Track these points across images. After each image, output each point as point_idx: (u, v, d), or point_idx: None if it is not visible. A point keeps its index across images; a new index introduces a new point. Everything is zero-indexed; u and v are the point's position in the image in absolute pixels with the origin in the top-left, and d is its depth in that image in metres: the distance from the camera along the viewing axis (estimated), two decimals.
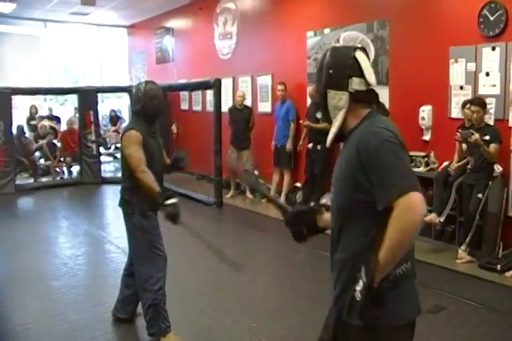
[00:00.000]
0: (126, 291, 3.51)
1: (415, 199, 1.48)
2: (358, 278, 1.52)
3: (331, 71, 1.71)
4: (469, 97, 5.07)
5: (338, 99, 1.70)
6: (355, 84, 1.68)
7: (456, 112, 5.32)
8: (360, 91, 1.68)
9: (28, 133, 10.23)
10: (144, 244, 3.24)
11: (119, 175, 10.61)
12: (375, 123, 1.65)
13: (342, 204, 1.68)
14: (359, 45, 1.77)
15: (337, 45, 1.59)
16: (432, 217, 4.98)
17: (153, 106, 3.27)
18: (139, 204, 3.24)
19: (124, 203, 3.33)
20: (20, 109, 11.74)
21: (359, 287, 1.50)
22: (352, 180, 1.61)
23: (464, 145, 4.85)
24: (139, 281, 3.29)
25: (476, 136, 4.49)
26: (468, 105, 4.86)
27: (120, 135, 3.36)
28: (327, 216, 1.89)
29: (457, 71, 5.29)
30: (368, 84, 1.70)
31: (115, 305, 3.59)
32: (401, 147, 1.58)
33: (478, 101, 4.75)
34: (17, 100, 10.32)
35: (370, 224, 1.60)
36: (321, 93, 1.75)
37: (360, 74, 1.68)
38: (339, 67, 1.70)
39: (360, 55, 1.70)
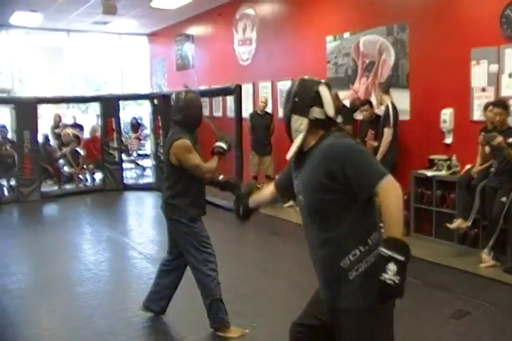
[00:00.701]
0: (161, 285, 3.61)
1: (392, 180, 1.79)
2: (383, 265, 1.69)
3: (296, 99, 1.98)
4: (492, 99, 5.01)
5: (299, 124, 1.96)
6: (316, 112, 1.94)
7: (478, 115, 5.26)
8: (318, 119, 1.94)
9: (52, 141, 10.41)
10: (195, 246, 3.35)
11: (141, 181, 10.69)
12: (334, 138, 1.92)
13: (318, 206, 1.91)
14: (323, 81, 2.02)
15: (305, 77, 2.03)
16: (459, 222, 4.93)
17: (194, 115, 3.37)
18: (188, 209, 3.34)
19: (170, 209, 3.39)
20: (45, 118, 11.97)
21: (390, 271, 1.68)
22: (322, 185, 1.86)
23: (487, 148, 4.79)
24: (198, 280, 3.40)
25: (500, 138, 4.42)
26: (490, 107, 4.80)
27: (167, 144, 3.36)
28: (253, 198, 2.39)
29: (479, 73, 5.24)
30: (326, 114, 1.95)
31: (148, 298, 3.65)
32: (359, 144, 1.95)
33: (501, 103, 4.69)
34: (42, 109, 10.52)
35: (347, 216, 1.87)
36: (287, 116, 2.01)
37: (321, 105, 1.94)
38: (303, 97, 1.96)
39: (322, 89, 1.96)
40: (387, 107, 5.69)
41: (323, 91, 1.96)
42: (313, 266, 2.04)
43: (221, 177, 3.38)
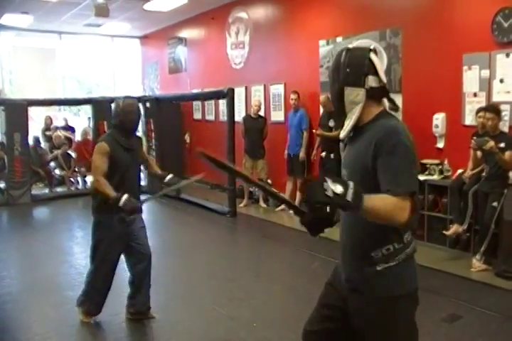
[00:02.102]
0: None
1: (409, 206, 1.65)
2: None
3: (348, 70, 1.87)
4: (483, 104, 5.04)
5: (355, 95, 1.86)
6: (371, 81, 1.85)
7: (470, 119, 5.30)
8: (374, 87, 1.86)
9: (43, 144, 10.35)
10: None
11: None
12: (391, 122, 1.84)
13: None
14: (372, 47, 1.93)
15: (351, 46, 1.97)
16: (455, 228, 4.96)
17: (130, 121, 3.55)
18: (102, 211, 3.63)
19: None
20: (36, 120, 11.89)
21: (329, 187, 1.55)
22: (364, 168, 1.80)
23: (479, 153, 4.81)
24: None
25: (492, 143, 4.45)
26: (481, 113, 4.82)
27: None
28: None
29: (471, 78, 5.28)
30: (380, 81, 1.87)
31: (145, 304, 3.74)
32: (412, 149, 1.77)
33: (493, 108, 4.72)
34: (33, 111, 10.44)
35: None
36: (338, 90, 1.89)
37: (375, 72, 1.86)
38: (356, 66, 1.86)
39: (373, 56, 1.89)
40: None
41: (375, 57, 1.89)
42: (341, 251, 1.97)
43: (124, 198, 3.30)
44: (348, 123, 1.90)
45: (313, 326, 2.03)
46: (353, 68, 1.86)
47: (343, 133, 1.95)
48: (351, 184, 1.58)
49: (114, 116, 3.59)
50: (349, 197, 1.55)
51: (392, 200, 1.64)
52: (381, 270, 1.82)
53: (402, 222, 1.65)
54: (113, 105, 3.65)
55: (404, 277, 1.85)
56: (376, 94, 1.87)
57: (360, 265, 1.86)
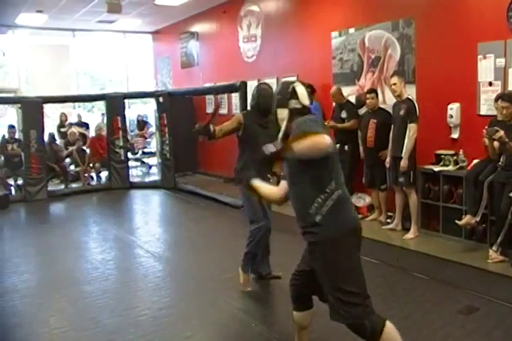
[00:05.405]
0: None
1: (316, 138, 2.32)
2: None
3: (279, 96, 2.62)
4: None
5: (282, 114, 2.58)
6: (293, 104, 2.57)
7: (485, 109, 5.22)
8: (296, 108, 2.57)
9: (58, 140, 10.44)
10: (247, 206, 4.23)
11: (147, 179, 10.87)
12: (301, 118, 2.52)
13: (296, 170, 2.55)
14: (297, 80, 2.73)
15: (283, 80, 3.13)
16: (468, 218, 4.89)
17: (264, 103, 4.00)
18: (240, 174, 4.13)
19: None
20: (51, 117, 12.01)
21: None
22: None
23: (496, 143, 4.74)
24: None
25: (501, 133, 4.38)
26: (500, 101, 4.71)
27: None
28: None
29: (486, 67, 5.19)
30: (302, 104, 2.57)
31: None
32: (311, 122, 2.44)
33: (508, 97, 4.63)
34: (48, 108, 10.54)
35: (305, 176, 2.52)
36: (274, 112, 2.63)
37: (297, 97, 2.56)
38: (283, 93, 2.60)
39: (297, 85, 2.60)
40: (411, 101, 5.53)
41: (298, 87, 2.59)
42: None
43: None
44: (280, 133, 2.58)
45: (296, 269, 2.83)
46: (281, 94, 2.60)
47: (278, 140, 2.58)
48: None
49: (251, 100, 4.27)
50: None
51: (304, 139, 2.29)
52: (319, 220, 2.41)
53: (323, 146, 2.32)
54: (253, 90, 4.29)
55: (337, 221, 2.42)
56: (298, 112, 2.54)
57: (305, 220, 2.50)
